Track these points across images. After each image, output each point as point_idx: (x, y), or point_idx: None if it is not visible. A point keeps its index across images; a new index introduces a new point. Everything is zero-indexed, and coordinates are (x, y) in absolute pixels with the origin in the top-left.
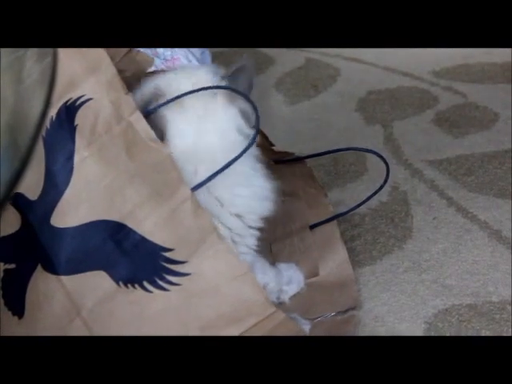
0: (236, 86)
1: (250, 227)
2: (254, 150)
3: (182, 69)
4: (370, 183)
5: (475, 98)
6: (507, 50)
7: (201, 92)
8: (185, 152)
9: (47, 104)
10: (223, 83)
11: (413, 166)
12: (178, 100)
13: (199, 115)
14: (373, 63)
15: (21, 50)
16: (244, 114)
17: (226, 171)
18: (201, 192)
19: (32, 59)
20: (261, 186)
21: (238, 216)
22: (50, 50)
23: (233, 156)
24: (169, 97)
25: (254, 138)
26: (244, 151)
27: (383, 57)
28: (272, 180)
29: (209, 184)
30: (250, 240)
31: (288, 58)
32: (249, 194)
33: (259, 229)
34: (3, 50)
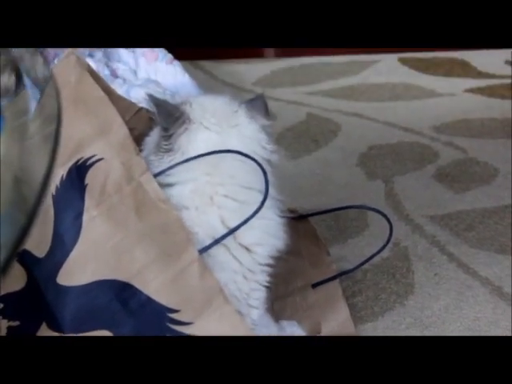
0: (254, 110)
1: (260, 264)
2: (270, 189)
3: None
4: (371, 239)
5: (475, 154)
6: (507, 106)
7: (223, 109)
8: (206, 164)
9: (52, 164)
10: (243, 108)
11: (414, 222)
12: (202, 114)
13: (223, 128)
14: (373, 118)
15: (24, 117)
16: (265, 130)
17: (242, 201)
18: (215, 222)
19: (36, 123)
20: (273, 220)
21: (248, 250)
22: (54, 116)
23: (252, 175)
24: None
25: (264, 200)
26: (257, 211)
27: (383, 112)
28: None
29: (223, 214)
30: (261, 276)
31: (289, 113)
32: (260, 225)
33: (270, 265)
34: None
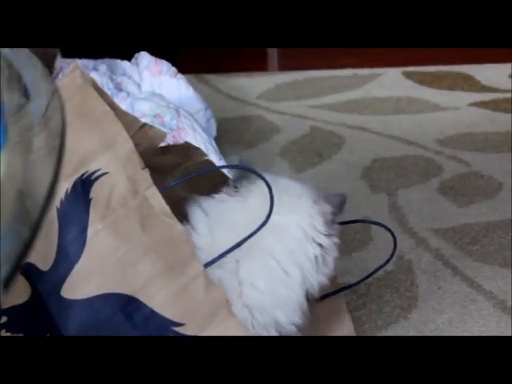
0: (325, 200)
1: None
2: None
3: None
4: (375, 252)
5: (479, 167)
6: (510, 119)
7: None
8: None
9: (56, 177)
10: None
11: (418, 235)
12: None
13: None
14: (377, 132)
15: (29, 131)
16: (325, 216)
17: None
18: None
19: (41, 137)
20: (288, 291)
21: (250, 312)
22: (60, 131)
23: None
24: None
25: (268, 216)
26: (258, 229)
27: (387, 125)
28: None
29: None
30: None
31: (293, 126)
32: (270, 298)
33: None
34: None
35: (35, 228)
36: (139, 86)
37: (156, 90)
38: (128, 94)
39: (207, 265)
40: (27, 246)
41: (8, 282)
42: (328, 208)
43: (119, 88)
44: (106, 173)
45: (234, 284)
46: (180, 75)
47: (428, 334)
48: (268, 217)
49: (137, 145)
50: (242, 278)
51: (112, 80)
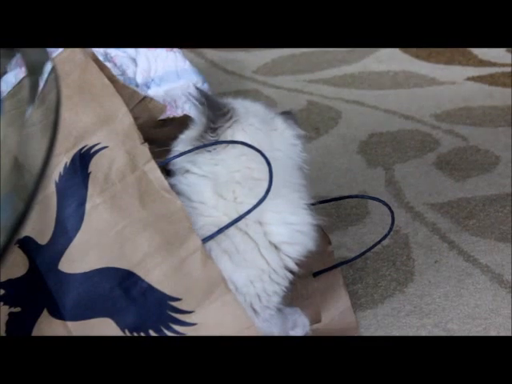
0: (288, 120)
1: (286, 268)
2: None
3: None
4: (371, 226)
5: (476, 141)
6: (508, 94)
7: (262, 112)
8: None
9: (50, 150)
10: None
11: (414, 209)
12: (245, 113)
13: (266, 128)
14: (374, 106)
15: (25, 105)
16: (300, 138)
17: (276, 197)
18: (248, 219)
19: (38, 111)
20: (306, 219)
21: (277, 248)
22: (53, 106)
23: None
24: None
25: (267, 191)
26: (257, 205)
27: (384, 100)
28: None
29: (257, 210)
30: (283, 281)
31: (290, 101)
32: (293, 223)
33: (293, 272)
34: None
35: (30, 200)
36: (134, 60)
37: (152, 63)
38: (122, 73)
39: (205, 240)
40: (22, 218)
41: (3, 253)
42: (299, 130)
43: (113, 62)
44: (105, 147)
45: (257, 228)
46: (176, 49)
47: (424, 307)
48: (267, 192)
49: (136, 118)
50: (266, 219)
51: (106, 54)
